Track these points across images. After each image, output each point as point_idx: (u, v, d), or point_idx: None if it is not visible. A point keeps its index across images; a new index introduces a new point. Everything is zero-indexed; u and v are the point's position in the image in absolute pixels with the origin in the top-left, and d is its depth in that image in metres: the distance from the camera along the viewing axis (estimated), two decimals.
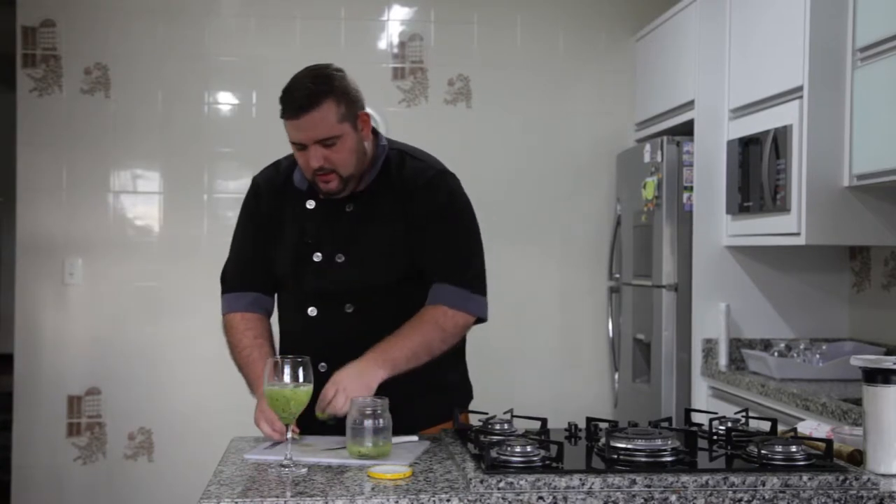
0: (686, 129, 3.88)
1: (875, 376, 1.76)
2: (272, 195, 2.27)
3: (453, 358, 2.36)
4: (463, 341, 2.40)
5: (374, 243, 2.18)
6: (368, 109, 4.35)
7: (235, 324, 2.27)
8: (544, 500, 1.60)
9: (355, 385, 2.00)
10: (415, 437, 2.07)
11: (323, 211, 2.22)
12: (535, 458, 1.70)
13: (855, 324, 3.71)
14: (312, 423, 2.08)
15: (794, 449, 1.75)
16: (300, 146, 2.12)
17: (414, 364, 2.11)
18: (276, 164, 2.34)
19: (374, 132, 2.27)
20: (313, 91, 2.08)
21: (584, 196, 4.58)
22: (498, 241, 4.47)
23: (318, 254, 2.20)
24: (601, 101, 4.59)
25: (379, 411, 1.89)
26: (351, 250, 2.18)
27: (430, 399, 2.24)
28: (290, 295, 2.27)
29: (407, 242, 2.18)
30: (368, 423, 1.88)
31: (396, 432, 1.96)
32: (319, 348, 2.15)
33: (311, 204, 2.22)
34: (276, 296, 2.34)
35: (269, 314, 2.33)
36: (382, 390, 1.99)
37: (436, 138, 4.40)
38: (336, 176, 2.13)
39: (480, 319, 2.23)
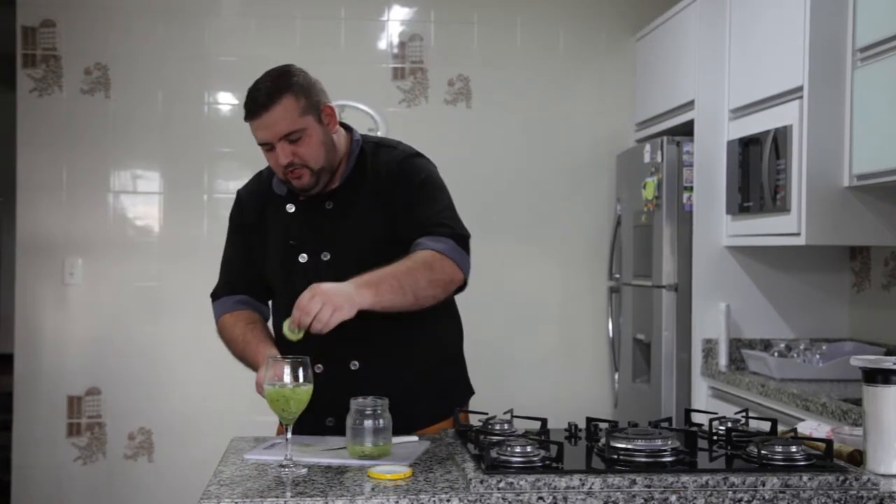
0: (686, 129, 3.88)
1: (875, 376, 1.76)
2: (254, 205, 2.30)
3: (452, 356, 2.36)
4: (461, 338, 2.39)
5: (356, 237, 2.19)
6: (367, 109, 4.33)
7: (225, 322, 2.29)
8: (544, 501, 1.60)
9: (339, 297, 1.90)
10: (415, 438, 2.06)
11: (304, 212, 2.23)
12: (535, 459, 1.70)
13: (855, 324, 3.71)
14: (312, 423, 2.08)
15: (794, 449, 1.75)
16: (268, 147, 2.14)
17: (399, 299, 2.01)
18: (258, 175, 2.37)
19: (348, 128, 2.29)
20: (272, 88, 2.10)
21: (584, 196, 4.58)
22: (498, 241, 4.50)
23: (304, 255, 2.21)
24: (601, 101, 4.59)
25: (379, 411, 1.89)
26: (335, 247, 2.19)
27: (429, 398, 2.24)
28: (283, 300, 2.27)
29: (389, 229, 2.18)
30: (368, 423, 1.88)
31: (396, 432, 1.96)
32: (314, 350, 2.15)
33: (291, 207, 2.24)
34: (269, 303, 2.35)
35: (264, 316, 2.33)
36: (382, 391, 1.98)
37: (436, 138, 4.41)
38: (307, 171, 2.14)
39: (463, 286, 2.16)
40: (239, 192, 2.37)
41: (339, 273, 2.15)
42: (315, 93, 2.16)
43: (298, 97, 2.11)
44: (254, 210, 2.30)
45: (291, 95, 2.10)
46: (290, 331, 1.94)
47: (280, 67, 2.17)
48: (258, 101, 2.10)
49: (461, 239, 2.16)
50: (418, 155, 2.29)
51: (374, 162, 2.24)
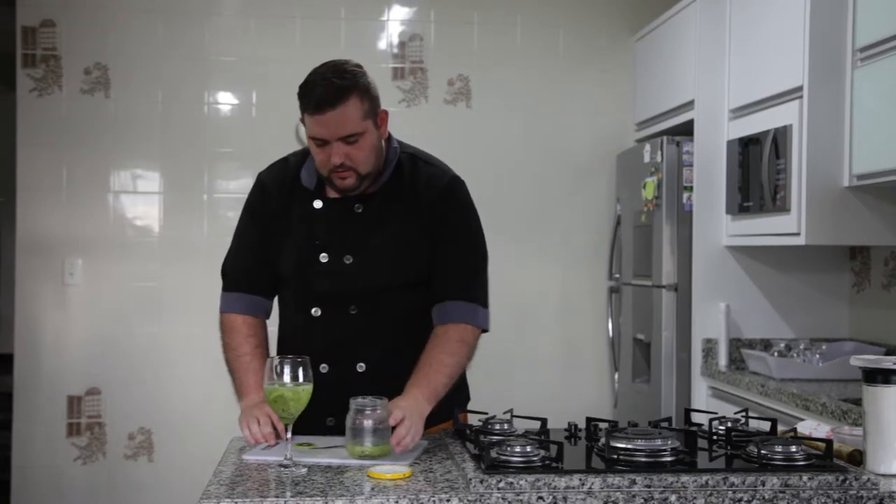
0: (686, 129, 3.88)
1: (875, 376, 1.76)
2: (280, 193, 2.24)
3: None
4: None
5: (384, 246, 2.17)
6: None
7: (237, 326, 2.25)
8: (544, 500, 1.60)
9: (419, 423, 1.99)
10: None
11: (331, 211, 2.19)
12: (535, 458, 1.70)
13: (855, 324, 3.71)
14: (313, 422, 2.08)
15: (794, 449, 1.75)
16: (321, 142, 2.09)
17: (450, 387, 2.13)
18: (284, 161, 2.30)
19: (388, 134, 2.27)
20: (339, 86, 2.05)
21: (584, 196, 4.58)
22: (498, 242, 4.45)
23: (325, 255, 2.18)
24: (601, 101, 4.59)
25: (379, 411, 1.89)
26: (360, 252, 2.17)
27: None
28: (293, 295, 2.25)
29: (419, 247, 2.18)
30: (368, 423, 1.88)
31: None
32: (322, 349, 2.15)
33: (318, 204, 2.20)
34: (275, 296, 2.34)
35: (268, 316, 2.33)
36: (385, 393, 1.98)
37: (436, 138, 4.38)
38: (354, 173, 2.11)
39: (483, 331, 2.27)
40: (262, 177, 2.30)
41: (360, 278, 2.15)
42: (374, 96, 2.13)
43: (363, 99, 2.08)
44: (278, 198, 2.24)
45: (357, 97, 2.06)
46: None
47: (342, 63, 2.11)
48: (325, 97, 2.04)
49: (485, 300, 2.25)
50: (457, 177, 2.28)
51: (412, 175, 2.22)
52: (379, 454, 1.87)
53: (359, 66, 2.13)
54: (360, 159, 2.10)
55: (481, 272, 2.27)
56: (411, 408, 1.97)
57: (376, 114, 2.13)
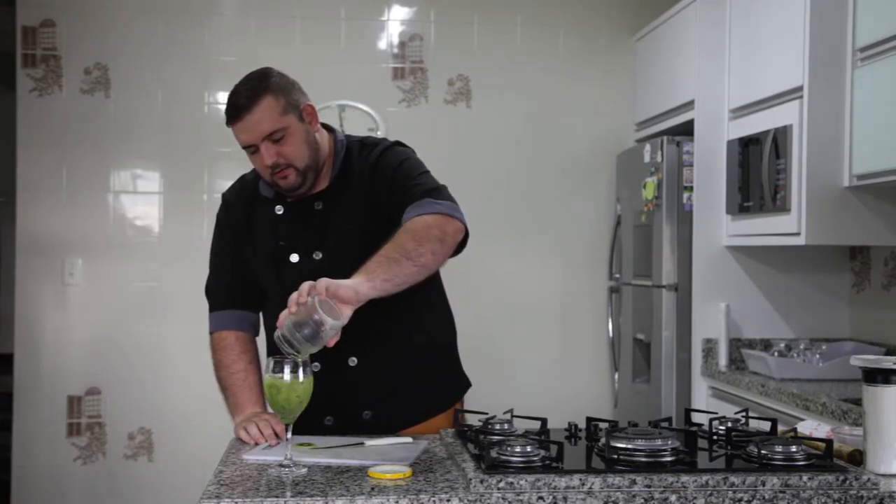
0: (686, 129, 3.88)
1: (875, 376, 1.76)
2: (242, 207, 2.30)
3: (447, 349, 2.36)
4: (454, 332, 2.38)
5: (348, 235, 2.18)
6: (367, 109, 4.33)
7: (230, 343, 2.29)
8: (544, 500, 1.59)
9: (331, 283, 1.83)
10: (409, 439, 2.06)
11: (293, 213, 2.23)
12: (535, 458, 1.70)
13: (855, 324, 3.71)
14: (310, 422, 2.08)
15: (794, 449, 1.75)
16: (252, 149, 2.14)
17: (395, 268, 1.91)
18: (242, 179, 2.37)
19: (330, 129, 2.29)
20: (251, 90, 2.12)
21: (584, 196, 4.58)
22: (498, 241, 4.50)
23: (295, 255, 2.20)
24: (601, 101, 4.59)
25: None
26: (327, 246, 2.19)
27: (426, 391, 2.24)
28: (275, 303, 2.27)
29: (380, 227, 2.15)
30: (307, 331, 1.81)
31: (395, 427, 1.95)
32: None
33: (280, 209, 2.24)
34: (261, 311, 2.34)
35: (257, 333, 2.34)
36: (379, 386, 1.96)
37: (436, 138, 4.42)
38: (293, 170, 2.14)
39: (465, 237, 2.10)
40: (224, 195, 2.37)
41: (332, 272, 2.15)
42: (294, 92, 2.17)
43: (278, 97, 2.12)
44: (241, 212, 2.30)
45: (271, 95, 2.11)
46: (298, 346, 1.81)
47: (257, 71, 2.19)
48: (239, 104, 2.11)
49: (434, 192, 2.11)
50: (395, 144, 2.29)
51: (360, 160, 2.24)
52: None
53: (277, 71, 2.18)
54: (292, 154, 2.13)
55: (429, 179, 2.16)
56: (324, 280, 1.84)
57: (299, 108, 2.16)
